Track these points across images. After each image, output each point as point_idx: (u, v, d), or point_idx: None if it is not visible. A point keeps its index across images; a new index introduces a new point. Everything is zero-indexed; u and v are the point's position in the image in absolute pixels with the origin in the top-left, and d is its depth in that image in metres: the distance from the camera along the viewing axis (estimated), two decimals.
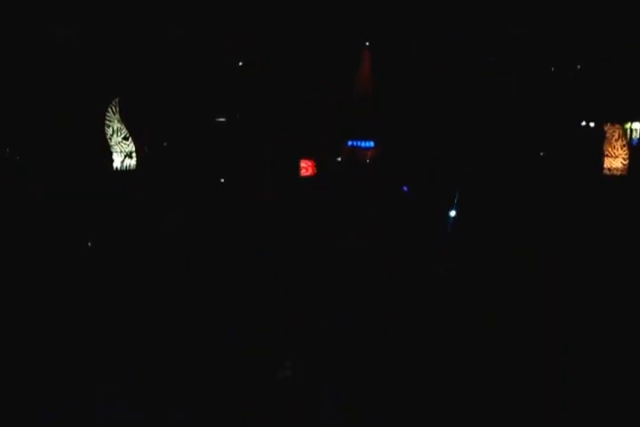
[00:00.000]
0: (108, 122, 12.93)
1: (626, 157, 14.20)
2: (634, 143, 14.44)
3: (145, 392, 6.03)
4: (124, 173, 13.08)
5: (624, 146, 14.22)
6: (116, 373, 6.41)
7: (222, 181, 13.60)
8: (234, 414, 5.70)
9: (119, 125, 12.93)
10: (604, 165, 14.25)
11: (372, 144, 14.27)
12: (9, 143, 12.89)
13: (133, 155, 13.05)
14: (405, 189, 13.46)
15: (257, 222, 11.87)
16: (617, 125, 14.34)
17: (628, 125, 14.46)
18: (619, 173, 14.19)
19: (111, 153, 13.00)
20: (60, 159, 12.86)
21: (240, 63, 14.27)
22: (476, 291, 8.95)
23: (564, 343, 6.94)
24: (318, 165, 13.87)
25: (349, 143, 14.27)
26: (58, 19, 12.70)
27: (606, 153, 14.25)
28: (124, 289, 8.83)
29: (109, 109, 12.85)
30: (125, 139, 12.99)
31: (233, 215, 12.11)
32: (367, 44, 14.47)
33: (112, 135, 12.98)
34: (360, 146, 14.29)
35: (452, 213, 13.00)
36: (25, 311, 7.92)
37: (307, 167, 13.77)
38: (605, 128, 14.37)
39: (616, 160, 14.22)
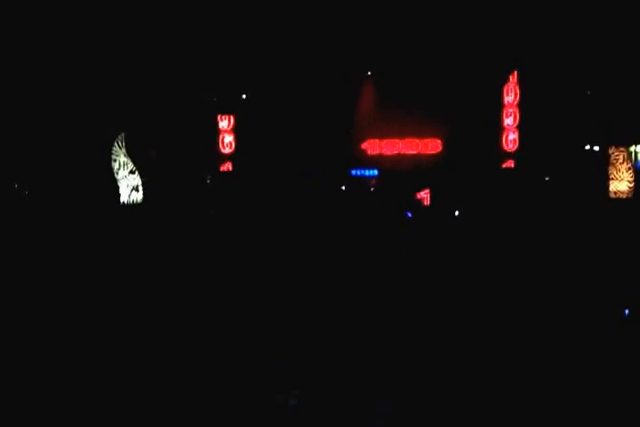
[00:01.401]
0: (114, 156, 13.11)
1: (631, 179, 14.18)
2: (639, 166, 14.38)
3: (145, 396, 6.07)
4: (131, 205, 13.24)
5: (629, 169, 14.21)
6: (115, 380, 6.46)
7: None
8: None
9: (125, 160, 13.10)
10: (610, 189, 14.24)
11: (375, 173, 14.40)
12: (17, 178, 13.05)
13: (140, 188, 13.19)
14: (410, 214, 13.59)
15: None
16: (621, 148, 14.34)
17: (632, 148, 14.40)
18: (624, 196, 14.15)
19: (118, 187, 13.17)
20: (66, 192, 13.02)
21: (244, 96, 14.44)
22: (477, 295, 9.06)
23: (564, 344, 6.99)
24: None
25: (353, 172, 14.41)
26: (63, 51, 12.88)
27: (611, 176, 14.25)
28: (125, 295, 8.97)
29: (115, 144, 13.04)
30: (132, 173, 13.14)
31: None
32: (369, 73, 14.59)
33: (119, 169, 13.14)
34: (364, 175, 14.43)
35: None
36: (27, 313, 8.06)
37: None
38: (610, 151, 14.38)
39: (621, 183, 14.20)
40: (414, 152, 14.84)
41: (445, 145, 14.87)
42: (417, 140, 14.93)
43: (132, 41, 13.35)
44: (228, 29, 13.70)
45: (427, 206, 14.49)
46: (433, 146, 14.91)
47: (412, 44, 14.10)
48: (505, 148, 14.61)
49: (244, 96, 14.52)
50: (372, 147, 14.84)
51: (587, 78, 14.25)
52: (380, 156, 14.85)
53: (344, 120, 14.41)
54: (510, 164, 14.58)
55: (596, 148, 14.60)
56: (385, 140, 14.83)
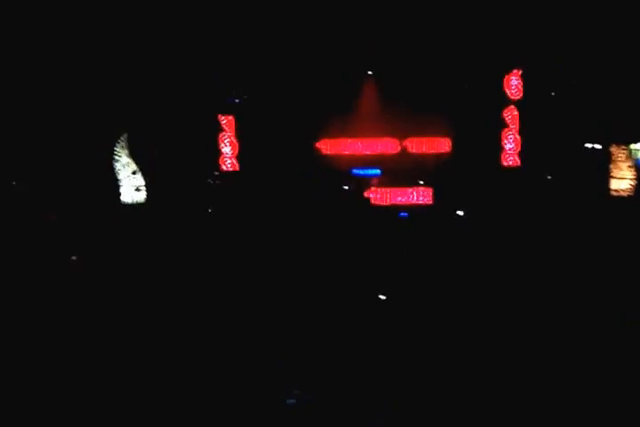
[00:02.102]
0: (116, 157, 13.15)
1: (633, 178, 14.17)
2: None
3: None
4: (133, 206, 13.27)
5: (630, 167, 14.21)
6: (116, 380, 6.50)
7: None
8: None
9: (128, 160, 13.14)
10: (611, 187, 14.24)
11: (378, 172, 14.39)
12: (16, 176, 13.11)
13: (142, 188, 13.24)
14: (406, 215, 13.66)
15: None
16: (623, 146, 14.33)
17: (634, 147, 14.38)
18: (626, 194, 14.15)
19: (119, 187, 13.21)
20: (69, 193, 13.06)
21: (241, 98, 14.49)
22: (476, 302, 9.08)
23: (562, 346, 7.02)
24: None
25: (354, 172, 14.40)
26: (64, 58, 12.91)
27: (613, 174, 14.24)
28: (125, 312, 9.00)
29: (118, 144, 13.07)
30: (134, 173, 13.19)
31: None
32: (370, 73, 14.61)
33: (120, 170, 13.18)
34: (367, 175, 14.43)
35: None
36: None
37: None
38: (611, 149, 14.38)
39: (623, 182, 14.19)
40: (374, 152, 14.60)
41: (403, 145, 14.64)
42: (376, 141, 14.67)
43: (134, 41, 13.39)
44: (229, 29, 13.73)
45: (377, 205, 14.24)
46: (392, 146, 14.63)
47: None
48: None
49: (245, 96, 14.52)
50: (328, 146, 14.62)
51: (588, 76, 14.23)
52: (339, 155, 14.68)
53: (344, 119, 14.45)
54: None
55: (598, 146, 14.57)
56: (346, 140, 14.61)
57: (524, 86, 14.40)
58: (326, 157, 14.51)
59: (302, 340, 7.70)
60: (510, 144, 14.53)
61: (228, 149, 14.12)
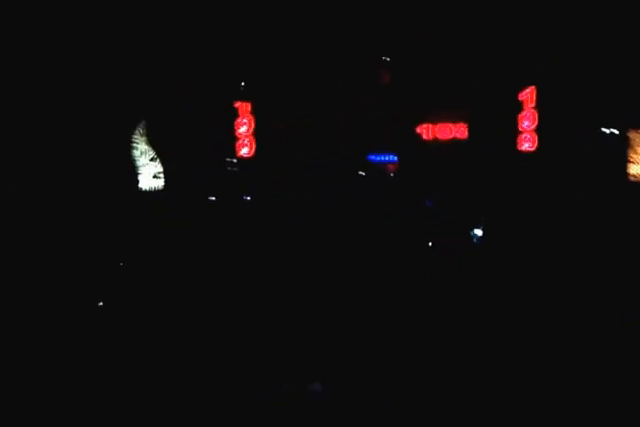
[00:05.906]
0: (135, 144, 13.17)
1: None
2: None
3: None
4: (151, 193, 13.31)
5: None
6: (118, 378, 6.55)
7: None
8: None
9: (146, 147, 13.16)
10: (629, 172, 14.19)
11: (395, 158, 14.36)
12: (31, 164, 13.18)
13: (160, 175, 13.28)
14: (429, 203, 13.59)
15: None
16: None
17: None
18: None
19: (138, 174, 13.25)
20: (86, 181, 13.11)
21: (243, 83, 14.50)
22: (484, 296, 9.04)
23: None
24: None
25: (371, 158, 14.37)
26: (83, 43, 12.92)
27: (630, 160, 14.19)
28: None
29: (137, 131, 13.09)
30: (153, 160, 13.22)
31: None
32: (386, 59, 14.58)
33: (139, 157, 13.21)
34: (383, 160, 14.39)
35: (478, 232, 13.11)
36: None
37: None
38: (629, 134, 14.30)
39: None
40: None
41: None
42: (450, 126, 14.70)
43: (151, 28, 13.39)
44: (246, 17, 13.74)
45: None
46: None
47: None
48: None
49: (261, 82, 14.54)
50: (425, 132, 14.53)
51: (606, 60, 14.13)
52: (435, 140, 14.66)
53: (361, 104, 14.39)
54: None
55: (615, 131, 14.51)
56: (438, 125, 14.59)
57: (540, 71, 14.34)
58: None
59: (304, 335, 7.67)
60: (529, 122, 14.43)
61: (244, 132, 14.09)
